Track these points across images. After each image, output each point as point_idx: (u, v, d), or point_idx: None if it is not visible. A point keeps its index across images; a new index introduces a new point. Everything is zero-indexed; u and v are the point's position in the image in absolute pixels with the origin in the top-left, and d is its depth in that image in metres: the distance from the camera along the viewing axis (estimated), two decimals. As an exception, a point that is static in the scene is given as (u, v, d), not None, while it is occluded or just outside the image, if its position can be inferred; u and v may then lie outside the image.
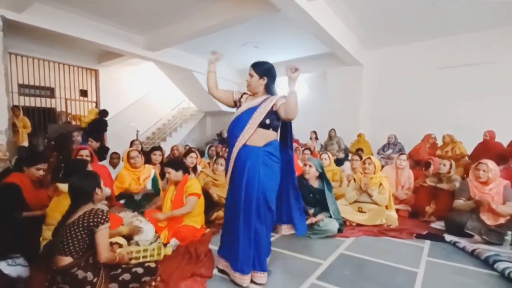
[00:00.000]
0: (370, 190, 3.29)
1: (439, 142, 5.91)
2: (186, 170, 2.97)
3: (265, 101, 1.99)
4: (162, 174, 3.89)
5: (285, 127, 2.14)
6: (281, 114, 1.94)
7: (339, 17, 5.55)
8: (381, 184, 3.39)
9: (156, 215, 2.70)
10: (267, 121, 1.95)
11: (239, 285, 1.92)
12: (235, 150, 1.98)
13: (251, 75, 2.04)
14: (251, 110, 1.98)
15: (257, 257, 1.93)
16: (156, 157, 4.06)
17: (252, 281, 1.94)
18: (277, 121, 2.02)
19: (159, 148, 4.31)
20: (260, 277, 1.95)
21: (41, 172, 2.60)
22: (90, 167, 2.67)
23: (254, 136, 1.95)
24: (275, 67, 2.09)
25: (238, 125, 2.00)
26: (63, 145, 4.19)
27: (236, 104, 2.16)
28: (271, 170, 1.97)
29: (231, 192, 2.05)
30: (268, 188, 1.94)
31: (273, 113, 1.97)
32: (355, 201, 3.47)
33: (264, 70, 2.03)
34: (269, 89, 2.07)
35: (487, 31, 5.92)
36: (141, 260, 2.10)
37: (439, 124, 6.29)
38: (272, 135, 2.03)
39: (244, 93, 2.17)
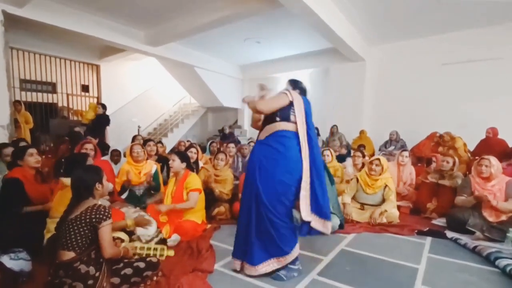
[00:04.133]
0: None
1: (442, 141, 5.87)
2: (189, 166, 2.99)
3: None
4: (161, 168, 3.91)
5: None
6: None
7: (343, 13, 5.50)
8: (386, 186, 3.32)
9: (158, 206, 2.72)
10: (277, 118, 2.01)
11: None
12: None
13: None
14: None
15: (248, 247, 1.98)
16: (151, 147, 4.07)
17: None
18: (287, 112, 2.01)
19: (150, 140, 4.35)
20: (248, 268, 1.97)
21: (36, 157, 2.56)
22: (90, 161, 2.67)
23: (261, 133, 2.10)
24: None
25: None
26: (76, 140, 4.22)
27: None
28: (269, 164, 1.94)
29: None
30: (263, 184, 1.92)
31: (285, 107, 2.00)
32: (358, 201, 3.45)
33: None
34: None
35: (492, 26, 5.84)
36: (144, 256, 2.12)
37: (443, 120, 6.24)
38: (278, 126, 2.01)
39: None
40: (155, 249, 2.24)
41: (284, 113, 2.00)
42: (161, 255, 2.20)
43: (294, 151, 1.96)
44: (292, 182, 1.94)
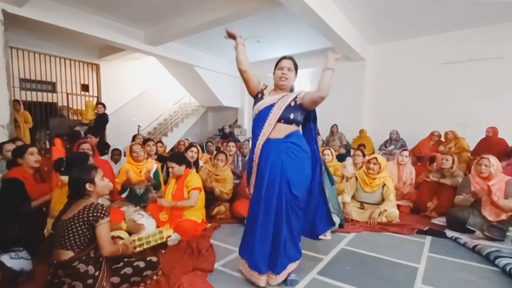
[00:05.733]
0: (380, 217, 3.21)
1: (443, 139, 5.87)
2: (188, 164, 2.99)
3: (283, 97, 1.92)
4: (162, 167, 3.90)
5: (309, 120, 2.08)
6: (307, 103, 1.89)
7: (342, 12, 5.49)
8: (384, 185, 3.31)
9: (160, 200, 2.73)
10: (291, 116, 1.88)
11: (254, 284, 1.87)
12: (258, 147, 1.92)
13: (289, 70, 1.96)
14: (270, 107, 1.92)
15: (274, 256, 1.82)
16: (150, 147, 4.06)
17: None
18: (301, 116, 1.96)
19: (150, 139, 4.33)
20: (271, 278, 1.83)
21: (36, 156, 2.55)
22: (91, 161, 2.67)
23: (275, 130, 1.90)
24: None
25: (259, 122, 1.94)
26: (75, 140, 4.21)
27: (257, 95, 2.02)
28: (295, 162, 1.87)
29: (256, 189, 1.93)
30: (294, 181, 1.83)
31: (297, 108, 1.91)
32: (358, 200, 3.45)
33: (296, 67, 2.04)
34: (292, 86, 2.08)
35: (492, 25, 5.83)
36: (145, 246, 2.18)
37: (443, 120, 6.23)
38: (294, 128, 1.95)
39: (266, 86, 2.05)
40: (154, 234, 2.29)
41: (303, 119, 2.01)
42: (161, 238, 2.29)
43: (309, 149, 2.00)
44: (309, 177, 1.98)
